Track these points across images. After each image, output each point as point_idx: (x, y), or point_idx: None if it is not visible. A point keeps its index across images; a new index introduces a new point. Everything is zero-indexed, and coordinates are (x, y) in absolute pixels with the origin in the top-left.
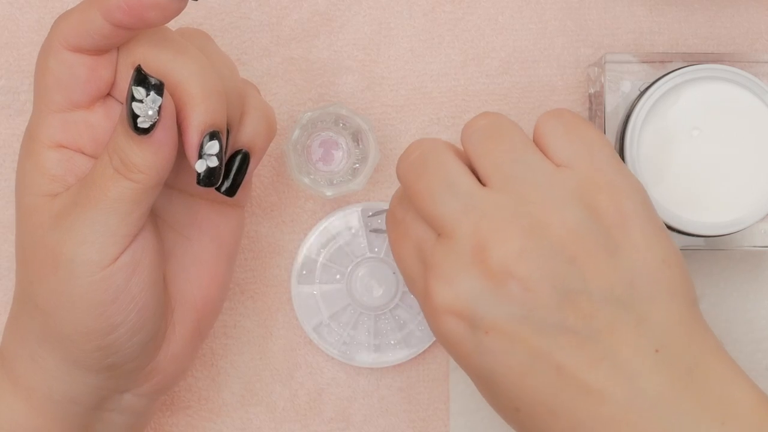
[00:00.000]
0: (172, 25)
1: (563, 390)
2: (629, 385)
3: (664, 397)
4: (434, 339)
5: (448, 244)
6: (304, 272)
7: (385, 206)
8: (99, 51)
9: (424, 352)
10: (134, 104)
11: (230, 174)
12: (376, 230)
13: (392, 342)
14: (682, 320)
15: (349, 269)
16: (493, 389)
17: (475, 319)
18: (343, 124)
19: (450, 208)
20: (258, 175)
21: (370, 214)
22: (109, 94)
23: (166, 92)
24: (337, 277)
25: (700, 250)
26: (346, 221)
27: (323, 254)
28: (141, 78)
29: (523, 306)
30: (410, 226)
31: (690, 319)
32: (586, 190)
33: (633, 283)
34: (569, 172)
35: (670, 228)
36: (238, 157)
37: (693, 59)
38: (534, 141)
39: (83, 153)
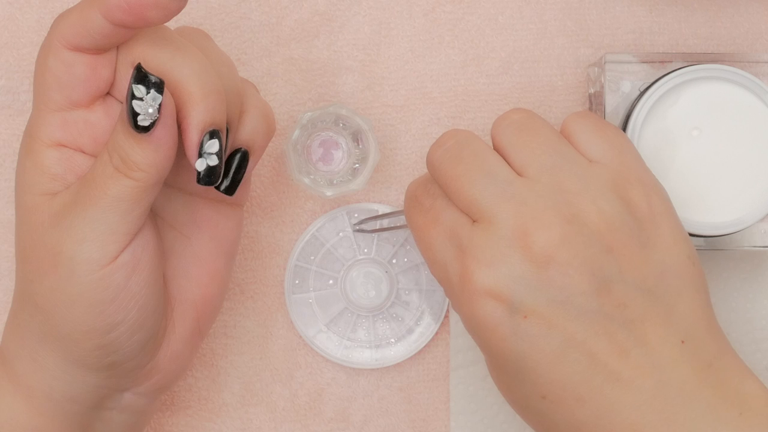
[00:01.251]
0: (172, 24)
1: (593, 377)
2: (657, 373)
3: (687, 387)
4: (434, 334)
5: (489, 229)
6: (297, 281)
7: (373, 209)
8: (99, 50)
9: (423, 352)
10: (134, 102)
11: (230, 173)
12: (360, 230)
13: (392, 340)
14: (704, 315)
15: (341, 273)
16: (521, 376)
17: (515, 302)
18: (343, 124)
19: (490, 194)
20: (258, 175)
21: (357, 219)
22: (108, 93)
23: (166, 90)
24: (330, 282)
25: (700, 250)
26: (333, 226)
27: (314, 261)
28: (141, 76)
29: (562, 291)
30: (441, 212)
31: (709, 314)
32: (619, 183)
33: (663, 276)
34: (602, 166)
35: None
36: (238, 156)
37: (693, 59)
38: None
39: (83, 152)
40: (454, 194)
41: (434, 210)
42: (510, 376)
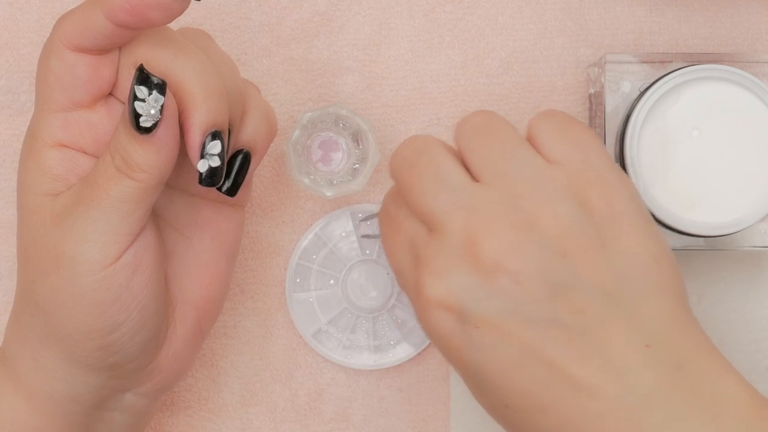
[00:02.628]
0: (173, 25)
1: (553, 386)
2: (620, 381)
3: (654, 393)
4: None
5: (439, 239)
6: (298, 280)
7: (377, 209)
8: (101, 51)
9: (424, 351)
10: (136, 103)
11: (231, 174)
12: (366, 236)
13: (392, 342)
14: (673, 316)
15: (342, 273)
16: (482, 385)
17: (465, 313)
18: (343, 125)
19: (441, 203)
20: (258, 175)
21: (361, 217)
22: (110, 94)
23: (168, 91)
24: (332, 282)
25: (700, 250)
26: (336, 226)
27: (316, 261)
28: (143, 77)
29: (513, 300)
30: (403, 222)
31: (680, 315)
32: (577, 185)
33: (624, 279)
34: (561, 168)
35: (670, 228)
36: (239, 157)
37: (693, 59)
38: (527, 140)
39: (85, 152)
40: (411, 204)
41: (397, 220)
42: (472, 384)
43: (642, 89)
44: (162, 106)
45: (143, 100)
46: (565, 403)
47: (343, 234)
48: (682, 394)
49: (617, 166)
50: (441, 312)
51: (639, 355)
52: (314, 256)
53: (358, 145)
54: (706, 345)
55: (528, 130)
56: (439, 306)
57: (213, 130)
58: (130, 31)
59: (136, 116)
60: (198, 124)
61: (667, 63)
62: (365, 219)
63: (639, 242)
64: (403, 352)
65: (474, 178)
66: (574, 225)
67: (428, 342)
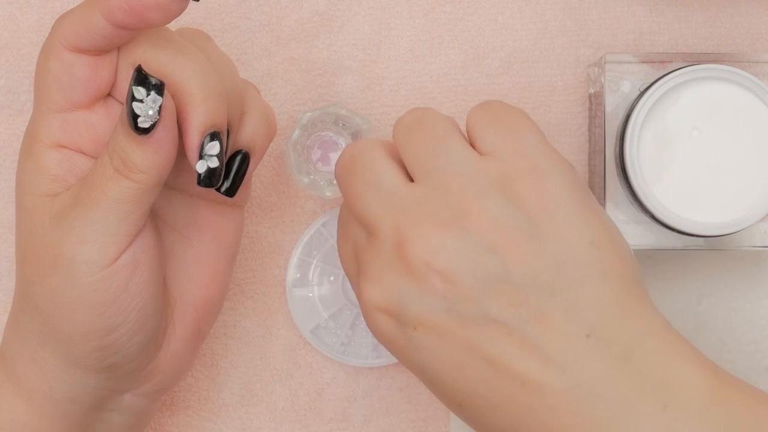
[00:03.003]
0: (172, 25)
1: (498, 383)
2: (564, 374)
3: (600, 384)
4: None
5: (374, 243)
6: (299, 275)
7: None
8: (99, 51)
9: None
10: (135, 104)
11: (230, 174)
12: None
13: None
14: (617, 302)
15: (342, 270)
16: (432, 385)
17: (402, 315)
18: (343, 125)
19: (374, 207)
20: (258, 175)
21: None
22: (109, 95)
23: (166, 92)
24: (331, 278)
25: (700, 250)
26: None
27: (317, 256)
28: (141, 78)
29: (445, 299)
30: (349, 227)
31: (627, 300)
32: (508, 177)
33: (559, 268)
34: (492, 160)
35: (670, 228)
36: (238, 158)
37: (693, 59)
38: (466, 135)
39: (83, 153)
40: (351, 209)
41: (346, 225)
42: (426, 383)
43: (642, 89)
44: (160, 107)
45: (141, 101)
46: (513, 400)
47: None
48: (629, 382)
49: (554, 152)
50: (381, 316)
51: (580, 346)
52: (315, 252)
53: None
54: (659, 328)
55: (466, 124)
56: (378, 310)
57: (212, 130)
58: (129, 32)
59: (135, 117)
60: (197, 124)
61: (667, 63)
62: None
63: (574, 229)
64: None
65: (410, 178)
66: (503, 218)
67: None
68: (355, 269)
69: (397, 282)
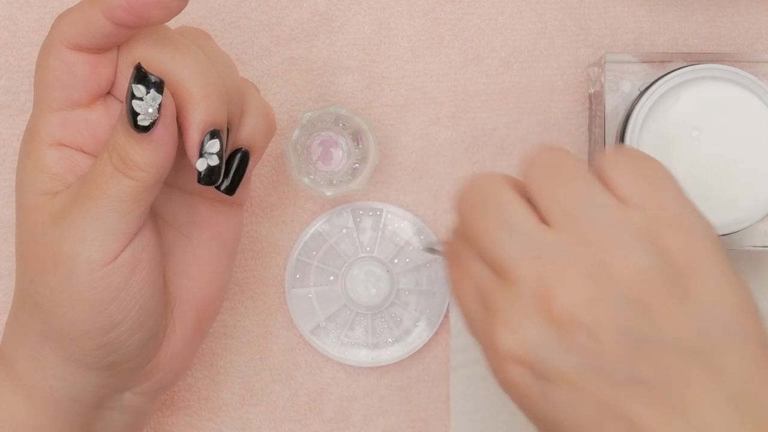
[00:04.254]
0: (172, 24)
1: None
2: None
3: None
4: (431, 336)
5: (510, 288)
6: (298, 276)
7: (379, 209)
8: (100, 49)
9: (423, 351)
10: (134, 102)
11: (230, 172)
12: (431, 250)
13: (389, 340)
14: (758, 368)
15: (342, 270)
16: None
17: (541, 368)
18: (343, 124)
19: (510, 250)
20: (258, 175)
21: (422, 244)
22: (109, 93)
23: (166, 90)
24: (331, 278)
25: None
26: (337, 221)
27: (316, 257)
28: (141, 76)
29: (590, 356)
30: (470, 264)
31: (765, 365)
32: (654, 229)
33: (706, 331)
34: (635, 210)
35: None
36: (238, 156)
37: (693, 59)
38: (598, 178)
39: (83, 151)
40: (478, 248)
41: (465, 261)
42: None
43: (642, 89)
44: (160, 105)
45: (141, 99)
46: None
47: (344, 231)
48: None
49: (694, 204)
50: (515, 366)
51: (723, 413)
52: (314, 252)
53: (358, 144)
54: None
55: (597, 167)
56: (513, 360)
57: (212, 128)
58: (129, 30)
59: (134, 115)
60: (197, 123)
61: (667, 63)
62: (428, 248)
63: (721, 291)
64: (400, 350)
65: (543, 220)
66: (653, 274)
67: (423, 343)
68: (479, 312)
69: (537, 332)
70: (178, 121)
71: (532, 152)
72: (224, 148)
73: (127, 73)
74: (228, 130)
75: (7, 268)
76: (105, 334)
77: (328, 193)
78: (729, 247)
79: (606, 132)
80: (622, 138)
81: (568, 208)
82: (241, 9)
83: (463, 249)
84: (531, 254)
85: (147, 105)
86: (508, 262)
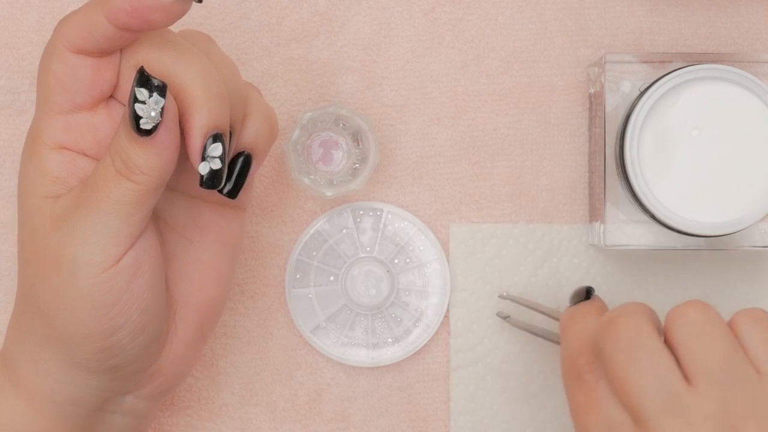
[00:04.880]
0: (174, 26)
1: None
2: None
3: None
4: (431, 336)
5: None
6: (298, 276)
7: (380, 209)
8: (102, 53)
9: (423, 351)
10: (137, 105)
11: (232, 176)
12: (505, 317)
13: (389, 340)
14: None
15: (342, 270)
16: None
17: None
18: (343, 125)
19: (656, 402)
20: (258, 176)
21: (505, 315)
22: (111, 96)
23: (168, 94)
24: (331, 278)
25: (700, 250)
26: (337, 222)
27: (316, 257)
28: (144, 79)
29: None
30: (603, 399)
31: None
32: None
33: None
34: None
35: (670, 228)
36: (240, 159)
37: (693, 59)
38: (738, 343)
39: (85, 155)
40: (620, 390)
41: (596, 393)
42: None
43: (642, 89)
44: (162, 109)
45: (144, 102)
46: None
47: (344, 231)
48: None
49: None
50: None
51: None
52: (314, 253)
53: (358, 145)
54: None
55: (733, 327)
56: None
57: (214, 132)
58: (132, 34)
59: (137, 118)
60: (199, 126)
61: (667, 63)
62: (508, 319)
63: None
64: (400, 350)
65: (685, 375)
66: None
67: (423, 343)
68: None
69: None
70: (180, 124)
71: (678, 307)
72: (227, 152)
73: (129, 76)
74: (230, 134)
75: (7, 269)
76: (107, 338)
77: (328, 194)
78: (729, 247)
79: (606, 132)
80: (622, 138)
81: (713, 370)
82: (241, 9)
83: (597, 380)
84: (674, 412)
85: (149, 108)
86: (651, 414)
